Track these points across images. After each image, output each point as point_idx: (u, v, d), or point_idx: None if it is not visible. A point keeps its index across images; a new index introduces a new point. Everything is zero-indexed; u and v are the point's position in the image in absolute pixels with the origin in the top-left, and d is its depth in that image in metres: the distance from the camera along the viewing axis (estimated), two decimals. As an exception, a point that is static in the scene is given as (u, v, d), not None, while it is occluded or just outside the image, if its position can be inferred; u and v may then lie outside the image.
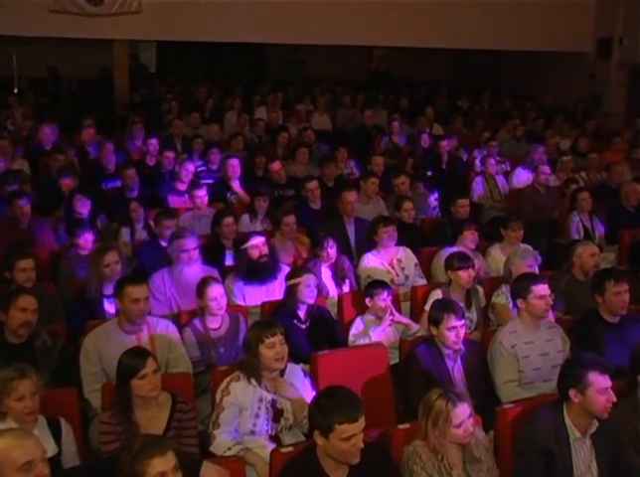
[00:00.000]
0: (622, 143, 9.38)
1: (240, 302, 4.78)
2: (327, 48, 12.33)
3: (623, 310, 4.20)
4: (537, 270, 4.95)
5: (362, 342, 4.40)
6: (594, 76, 12.85)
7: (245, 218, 6.28)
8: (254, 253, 4.90)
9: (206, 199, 6.37)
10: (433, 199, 7.35)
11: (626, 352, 3.67)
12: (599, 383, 3.17)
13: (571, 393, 3.21)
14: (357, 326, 4.54)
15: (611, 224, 6.84)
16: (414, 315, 4.92)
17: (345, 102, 11.41)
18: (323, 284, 5.03)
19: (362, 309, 4.64)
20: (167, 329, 4.03)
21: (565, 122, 11.05)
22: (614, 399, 3.20)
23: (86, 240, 5.29)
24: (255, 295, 4.83)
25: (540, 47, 12.37)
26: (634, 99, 12.42)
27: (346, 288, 5.19)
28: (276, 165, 7.39)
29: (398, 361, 4.29)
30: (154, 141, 8.31)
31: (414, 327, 4.56)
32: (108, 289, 4.46)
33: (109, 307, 4.46)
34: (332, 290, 5.11)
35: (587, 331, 4.19)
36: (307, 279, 4.37)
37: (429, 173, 8.06)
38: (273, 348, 3.39)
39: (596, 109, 12.50)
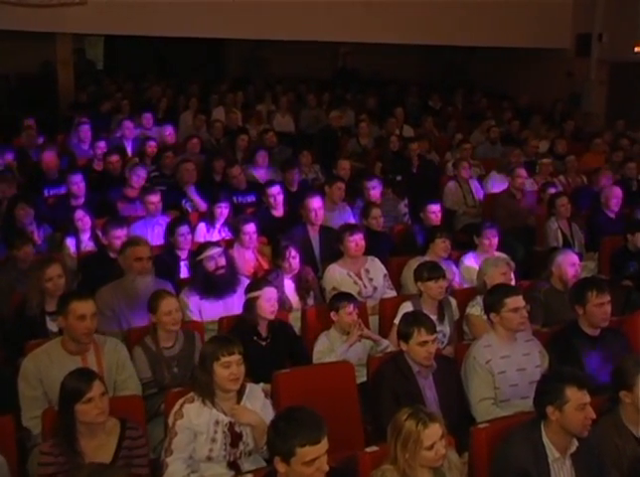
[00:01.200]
0: (603, 145, 9.58)
1: (195, 318, 4.76)
2: (290, 44, 12.37)
3: (605, 322, 4.28)
4: (512, 280, 5.04)
5: (327, 359, 4.41)
6: (573, 74, 13.12)
7: (202, 227, 6.26)
8: (211, 265, 4.88)
9: (159, 206, 6.33)
10: (403, 205, 7.41)
11: (608, 366, 3.76)
12: (578, 398, 3.21)
13: (549, 410, 3.25)
14: (322, 342, 4.54)
15: (592, 230, 6.99)
16: (383, 329, 4.94)
17: (309, 102, 11.45)
18: (285, 297, 5.03)
19: (327, 324, 4.64)
20: (115, 348, 3.99)
21: (543, 123, 11.25)
22: (593, 416, 3.25)
23: (27, 253, 5.21)
24: (212, 310, 4.81)
25: (515, 43, 12.58)
26: (615, 98, 12.71)
27: (310, 301, 5.20)
28: (236, 170, 7.39)
29: (365, 379, 4.30)
30: (102, 144, 8.24)
31: (383, 342, 4.58)
32: (51, 305, 4.40)
33: (52, 325, 4.40)
34: (295, 304, 5.12)
35: (567, 344, 4.26)
36: (268, 292, 4.37)
37: (399, 178, 8.13)
38: (229, 368, 3.38)
39: (575, 109, 12.75)
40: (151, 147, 8.35)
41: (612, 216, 7.08)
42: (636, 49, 12.04)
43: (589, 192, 7.83)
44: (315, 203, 6.13)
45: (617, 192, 7.13)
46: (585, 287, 4.35)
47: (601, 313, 4.25)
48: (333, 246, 5.62)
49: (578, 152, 9.26)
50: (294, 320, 4.89)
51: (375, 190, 6.86)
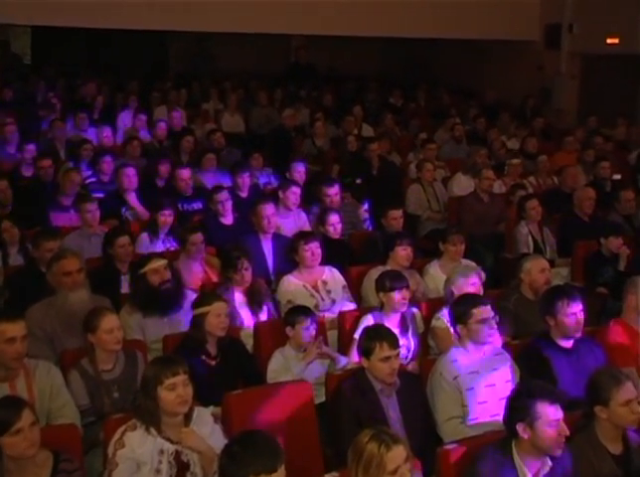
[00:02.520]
0: (575, 143, 9.78)
1: (138, 337, 4.73)
2: (238, 37, 12.39)
3: (577, 333, 4.38)
4: (481, 290, 5.11)
5: (282, 378, 4.43)
6: (543, 67, 13.38)
7: (144, 237, 6.23)
8: (155, 279, 4.86)
9: (97, 215, 6.28)
10: (363, 210, 7.48)
11: (582, 380, 3.82)
12: (549, 414, 3.29)
13: (519, 427, 3.32)
14: (276, 360, 4.56)
15: (564, 234, 7.13)
16: (343, 345, 4.98)
17: (260, 100, 11.46)
18: (236, 312, 5.03)
19: (282, 340, 4.66)
20: (49, 373, 3.94)
21: (512, 120, 11.44)
22: (567, 433, 3.33)
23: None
24: (156, 328, 4.79)
25: (481, 35, 12.79)
26: (587, 94, 13.00)
27: (263, 316, 5.20)
28: (185, 173, 7.34)
29: (324, 399, 4.33)
30: (31, 147, 8.13)
31: (342, 359, 4.62)
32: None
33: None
34: (247, 319, 5.12)
35: (538, 357, 4.34)
36: (217, 307, 4.36)
37: (358, 181, 8.19)
38: (174, 390, 3.36)
39: (546, 105, 13.00)
40: (87, 150, 8.28)
41: (585, 219, 7.23)
42: (608, 40, 12.35)
43: (561, 194, 7.98)
44: (267, 209, 6.15)
45: (590, 193, 7.29)
46: (555, 296, 4.44)
47: (573, 323, 4.34)
48: (287, 256, 5.65)
49: (549, 151, 9.45)
50: (246, 337, 4.89)
51: (336, 196, 6.91)
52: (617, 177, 8.59)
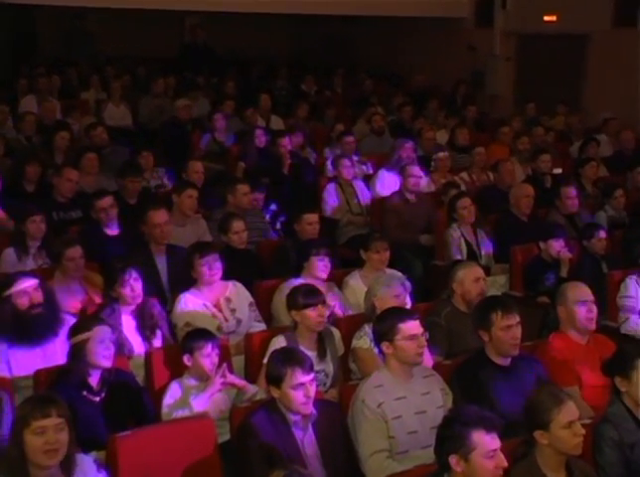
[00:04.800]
0: (511, 134, 10.01)
1: (3, 373, 4.63)
2: (121, 14, 12.24)
3: (514, 349, 4.48)
4: (407, 302, 5.19)
5: (180, 414, 4.39)
6: (474, 48, 13.69)
7: (10, 252, 6.10)
8: (23, 302, 4.77)
9: (-49, 227, 6.11)
10: (273, 215, 7.50)
11: (521, 402, 3.90)
12: (486, 444, 3.35)
13: (452, 460, 3.37)
14: (173, 393, 4.51)
15: (500, 237, 7.31)
16: (251, 372, 4.97)
17: (150, 89, 11.37)
18: (124, 338, 4.98)
19: (179, 370, 4.62)
20: None
21: (441, 109, 11.66)
22: (505, 465, 3.40)
23: None
24: (27, 360, 4.70)
25: (405, 12, 13.02)
26: (524, 78, 13.37)
27: (157, 342, 5.16)
28: (70, 173, 7.17)
29: (229, 437, 4.31)
30: None
31: (250, 389, 4.60)
32: None
33: None
34: (137, 346, 5.07)
35: (473, 378, 4.43)
36: (100, 332, 4.31)
37: (266, 181, 8.20)
38: (43, 435, 3.29)
39: (478, 91, 13.30)
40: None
41: (524, 219, 7.43)
42: (546, 18, 12.75)
43: (497, 191, 8.17)
44: (159, 216, 6.10)
45: (528, 190, 7.49)
46: (489, 308, 4.54)
47: (509, 338, 4.43)
48: (185, 271, 5.61)
49: (483, 143, 9.64)
50: (136, 367, 4.83)
51: (245, 196, 6.93)
52: (558, 171, 8.85)
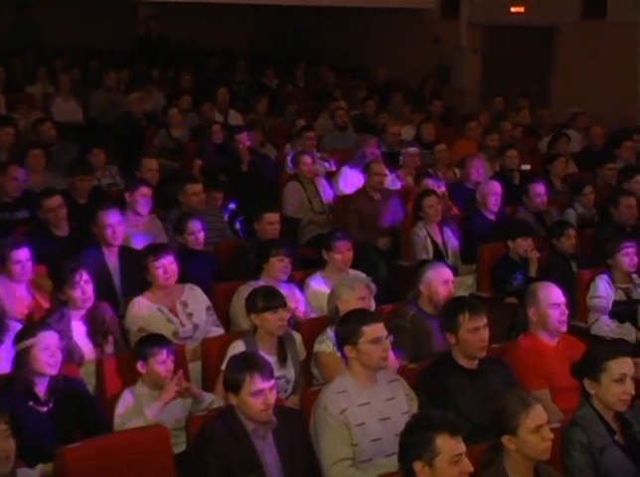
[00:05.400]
0: (478, 129, 10.07)
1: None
2: (71, 3, 12.14)
3: (482, 352, 4.51)
4: (372, 304, 5.20)
5: (133, 424, 4.35)
6: (439, 40, 13.77)
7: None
8: (-35, 308, 4.72)
9: None
10: (231, 214, 7.48)
11: (489, 406, 3.94)
12: (451, 449, 3.37)
13: (416, 466, 3.39)
14: (125, 402, 4.49)
15: (467, 236, 7.36)
16: (208, 379, 4.95)
17: (102, 82, 11.28)
18: (74, 344, 4.94)
19: (132, 378, 4.59)
20: None
21: (406, 104, 11.70)
22: (471, 470, 3.42)
23: None
24: (-31, 370, 4.64)
25: (369, 3, 13.06)
26: (491, 71, 13.47)
27: (109, 348, 5.12)
28: (17, 172, 7.08)
29: (185, 447, 4.30)
30: None
31: (208, 397, 4.59)
32: None
33: None
34: (88, 353, 5.02)
35: (439, 382, 4.46)
36: (45, 338, 4.28)
37: (224, 179, 8.18)
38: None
39: (445, 85, 13.37)
40: None
41: (491, 217, 7.50)
42: (513, 9, 12.86)
43: (463, 188, 8.23)
44: (112, 217, 6.06)
45: (495, 187, 7.54)
46: (456, 309, 4.57)
47: (477, 340, 4.47)
48: (138, 274, 5.57)
49: (449, 139, 9.71)
50: (87, 375, 4.81)
51: (196, 196, 6.89)
52: (526, 167, 8.93)
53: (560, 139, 9.55)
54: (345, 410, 4.15)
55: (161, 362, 4.51)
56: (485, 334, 4.51)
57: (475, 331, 4.47)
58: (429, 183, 7.79)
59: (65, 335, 4.74)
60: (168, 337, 4.85)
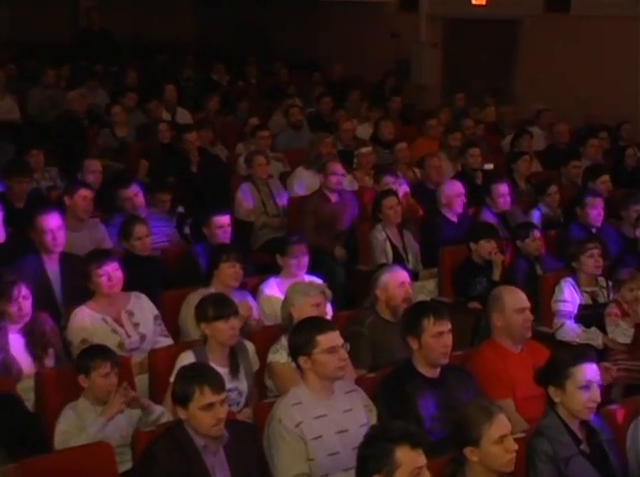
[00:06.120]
0: (439, 126, 10.13)
1: None
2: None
3: (444, 358, 4.54)
4: (328, 311, 5.22)
5: (76, 441, 4.32)
6: (398, 34, 13.83)
7: None
8: None
9: None
10: (180, 218, 7.45)
11: (450, 416, 3.98)
12: (411, 461, 3.37)
13: (375, 480, 3.40)
14: (67, 419, 4.46)
15: (428, 239, 7.39)
16: (156, 393, 4.93)
17: (41, 78, 11.18)
18: (11, 358, 4.90)
19: (75, 392, 4.56)
20: None
21: (363, 100, 11.74)
22: (432, 483, 3.44)
23: None
24: None
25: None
26: (452, 66, 13.56)
27: (49, 362, 5.10)
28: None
29: (131, 465, 4.28)
30: None
31: (156, 410, 4.57)
32: None
33: None
34: (26, 367, 4.99)
35: (399, 392, 4.47)
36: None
37: (172, 180, 8.15)
38: None
39: (404, 81, 13.43)
40: None
41: (454, 219, 7.53)
42: (474, 1, 12.97)
43: (424, 189, 8.27)
44: (51, 222, 6.01)
45: (457, 188, 7.58)
46: (420, 313, 4.59)
47: (440, 346, 4.49)
48: (80, 282, 5.53)
49: (409, 137, 9.75)
50: (25, 390, 4.76)
51: (138, 198, 6.86)
52: (489, 167, 8.99)
53: (523, 137, 9.60)
54: (300, 423, 4.15)
55: (104, 375, 4.49)
56: (448, 340, 4.54)
57: (439, 336, 4.49)
58: (389, 180, 7.83)
59: (1, 349, 4.69)
60: (113, 349, 4.83)
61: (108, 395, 4.47)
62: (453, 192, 7.58)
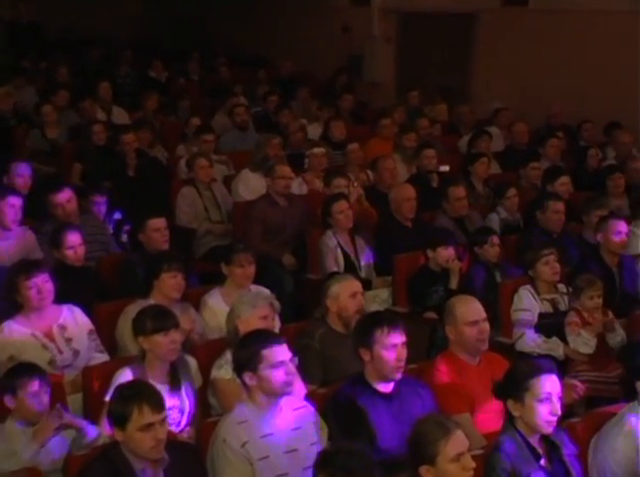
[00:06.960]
0: (392, 127, 10.17)
1: None
2: None
3: (398, 372, 4.56)
4: (275, 324, 5.23)
5: (4, 468, 4.27)
6: (349, 29, 13.88)
7: None
8: None
9: None
10: (116, 225, 7.42)
11: (405, 432, 3.98)
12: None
13: (328, 502, 3.42)
14: (-6, 442, 4.42)
15: (382, 246, 7.41)
16: (91, 413, 4.90)
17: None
18: None
19: (1, 415, 4.51)
20: None
21: (313, 99, 11.77)
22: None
23: None
24: None
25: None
26: (407, 62, 13.63)
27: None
28: None
29: (64, 491, 4.24)
30: None
31: (91, 432, 4.53)
32: None
33: None
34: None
35: (351, 408, 4.48)
36: None
37: (108, 185, 8.10)
38: None
39: (356, 78, 13.47)
40: None
41: (407, 224, 7.55)
42: (428, -6, 13.07)
43: (377, 192, 8.28)
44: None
45: (410, 191, 7.60)
46: (373, 323, 4.61)
47: (393, 359, 4.51)
48: (7, 295, 5.46)
49: (361, 138, 9.78)
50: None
51: (69, 204, 6.81)
52: (445, 169, 9.02)
53: (481, 137, 9.68)
54: (246, 443, 4.15)
55: (33, 394, 4.43)
56: (403, 353, 4.56)
57: (393, 348, 4.52)
58: (341, 183, 7.84)
59: None
60: (43, 366, 4.78)
61: (39, 416, 4.42)
62: (402, 196, 7.59)
